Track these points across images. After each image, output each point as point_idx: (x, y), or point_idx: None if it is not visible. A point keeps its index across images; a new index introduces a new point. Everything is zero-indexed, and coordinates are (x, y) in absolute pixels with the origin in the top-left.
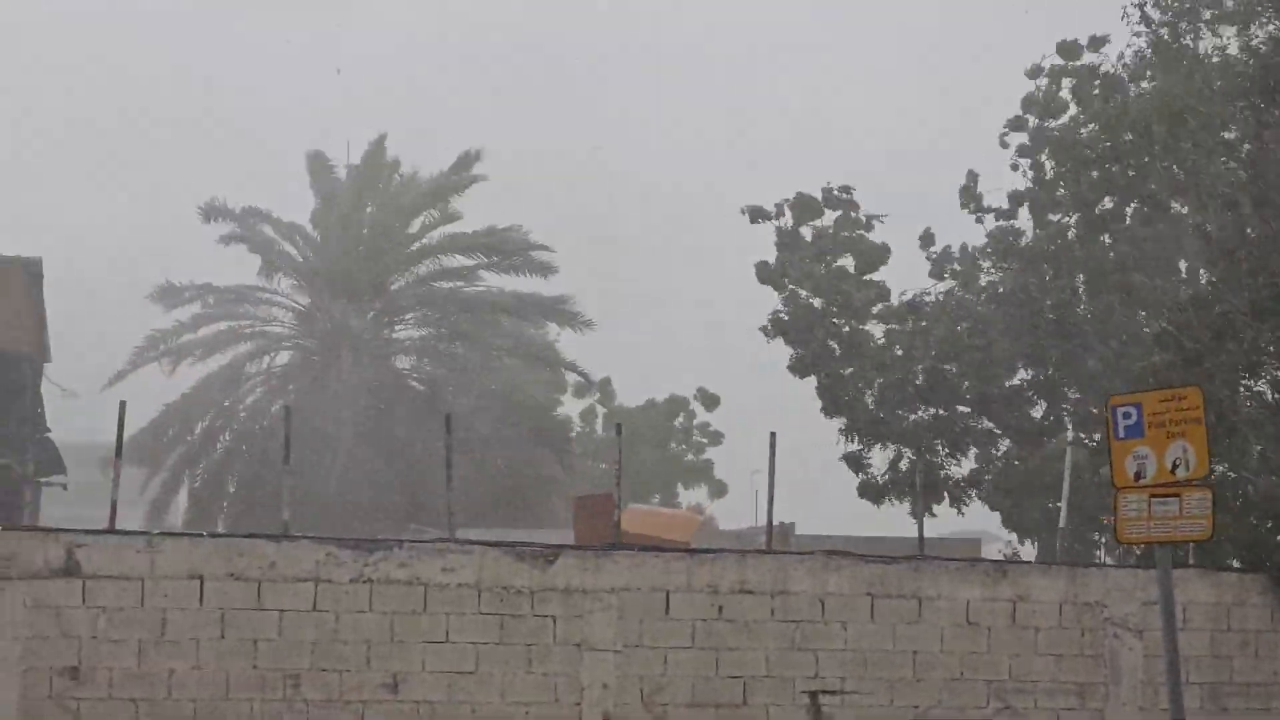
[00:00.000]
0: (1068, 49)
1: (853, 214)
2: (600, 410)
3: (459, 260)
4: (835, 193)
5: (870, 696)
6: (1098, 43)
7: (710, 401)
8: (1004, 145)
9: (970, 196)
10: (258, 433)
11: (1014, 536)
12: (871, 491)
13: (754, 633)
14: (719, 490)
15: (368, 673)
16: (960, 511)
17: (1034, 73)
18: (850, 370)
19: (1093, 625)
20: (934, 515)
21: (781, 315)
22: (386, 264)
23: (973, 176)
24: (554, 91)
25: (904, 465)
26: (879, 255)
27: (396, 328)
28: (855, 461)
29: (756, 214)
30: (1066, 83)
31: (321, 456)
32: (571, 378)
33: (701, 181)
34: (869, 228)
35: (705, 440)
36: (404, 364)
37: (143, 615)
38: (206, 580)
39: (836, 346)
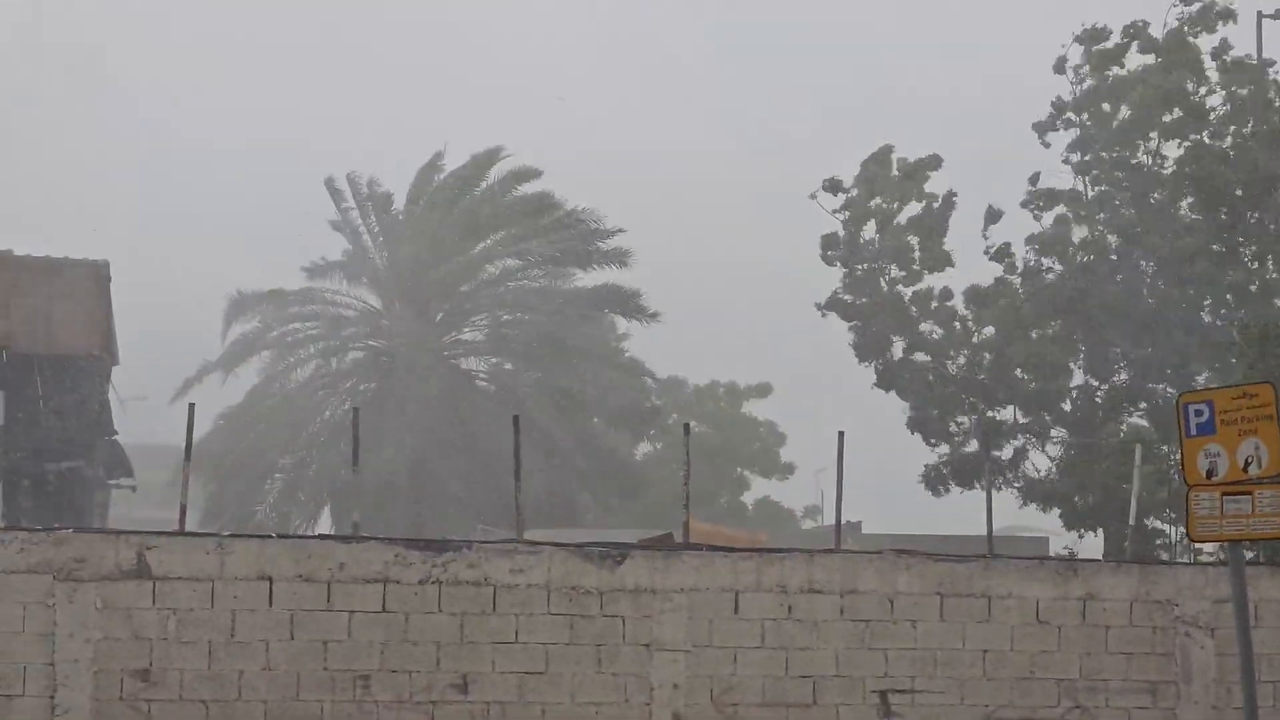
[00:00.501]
0: (1096, 35)
1: (923, 183)
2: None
3: (530, 246)
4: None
5: (940, 696)
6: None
7: (762, 390)
8: (1045, 144)
9: (1036, 196)
10: (323, 433)
11: (1059, 525)
12: (935, 480)
13: (823, 632)
14: (786, 471)
15: (437, 673)
16: (1017, 476)
17: (1059, 66)
18: (918, 362)
19: (1164, 623)
20: (999, 488)
21: (842, 297)
22: (457, 265)
23: (1034, 179)
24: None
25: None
26: (942, 221)
27: (464, 329)
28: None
29: (834, 186)
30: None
31: (392, 457)
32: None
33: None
34: (932, 200)
35: (771, 439)
36: (473, 364)
37: (213, 617)
38: (276, 581)
39: (900, 339)
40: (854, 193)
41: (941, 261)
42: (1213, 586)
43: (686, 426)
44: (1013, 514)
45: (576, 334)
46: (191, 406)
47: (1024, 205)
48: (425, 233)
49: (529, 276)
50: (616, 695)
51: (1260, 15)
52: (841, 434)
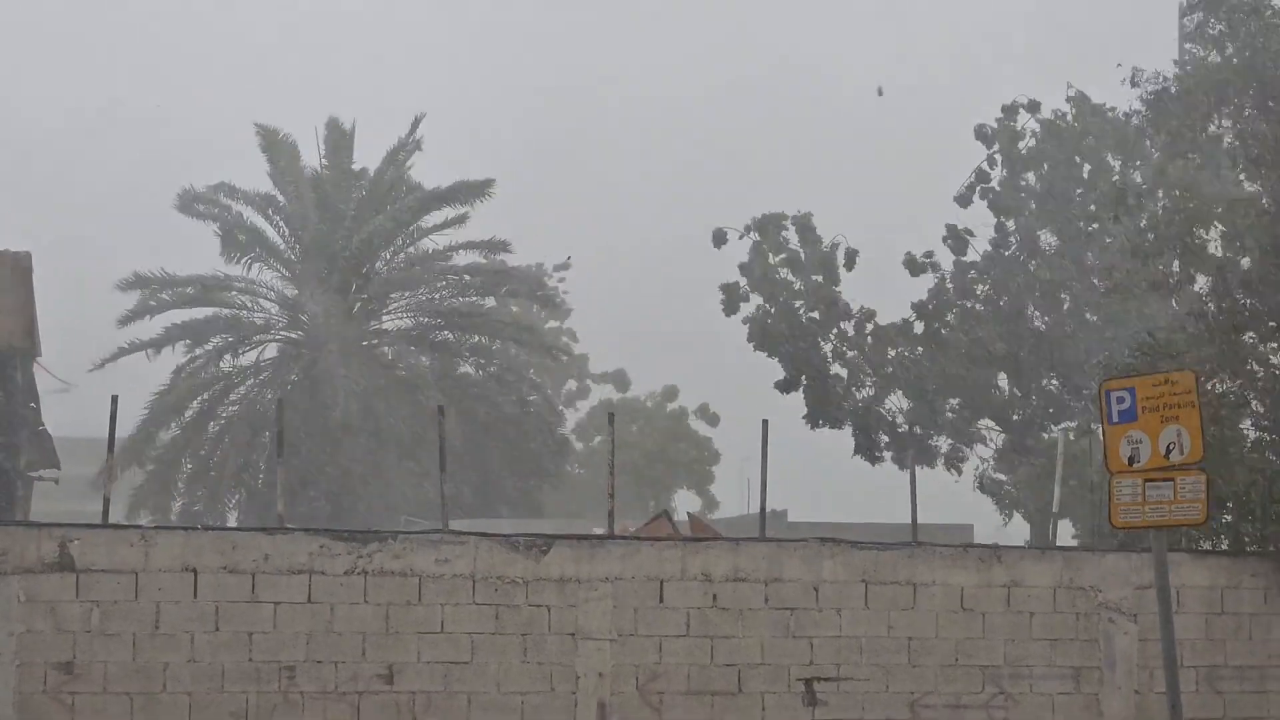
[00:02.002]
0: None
1: (811, 239)
2: (616, 396)
3: (432, 226)
4: (797, 217)
5: (865, 683)
6: (1034, 106)
7: (712, 420)
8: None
9: (954, 234)
10: (244, 424)
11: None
12: (866, 449)
13: (748, 620)
14: (710, 503)
15: (363, 664)
16: (958, 470)
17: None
18: (844, 376)
19: (1087, 609)
20: (931, 467)
21: (765, 322)
22: (368, 248)
23: (954, 230)
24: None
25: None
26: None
27: (384, 317)
28: (868, 451)
29: (719, 238)
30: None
31: (316, 448)
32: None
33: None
34: (833, 251)
35: (703, 422)
36: (394, 355)
37: (137, 609)
38: (200, 573)
39: (827, 353)
40: (749, 238)
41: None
42: (1135, 573)
43: (611, 416)
44: (952, 506)
45: (504, 324)
46: (115, 399)
47: (945, 240)
48: (336, 219)
49: (445, 260)
50: (542, 684)
51: (1182, 6)
52: (765, 422)
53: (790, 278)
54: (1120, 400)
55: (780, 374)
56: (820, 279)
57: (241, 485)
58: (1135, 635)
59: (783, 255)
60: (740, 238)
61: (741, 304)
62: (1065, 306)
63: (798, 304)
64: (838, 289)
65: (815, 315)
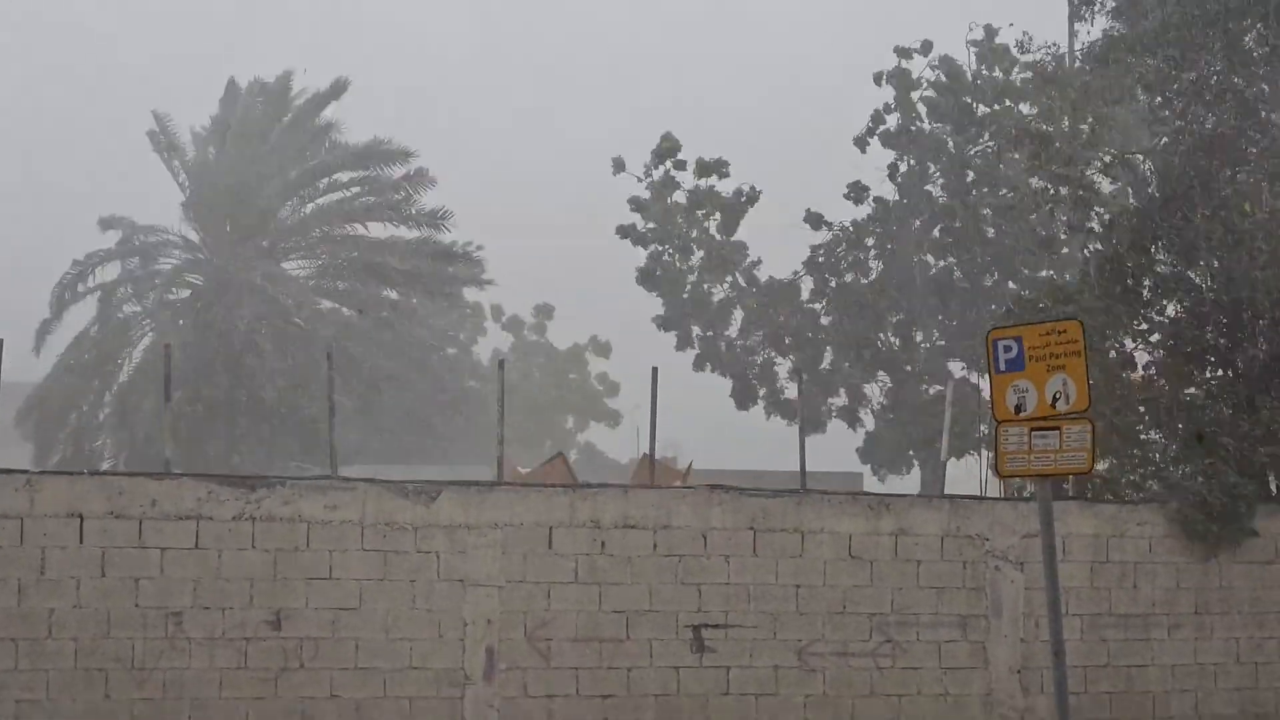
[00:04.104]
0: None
1: (717, 175)
2: (532, 338)
3: (346, 177)
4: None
5: (753, 630)
6: (927, 47)
7: (602, 350)
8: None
9: (856, 189)
10: (146, 369)
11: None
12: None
13: (637, 567)
14: (613, 419)
15: (250, 610)
16: (853, 427)
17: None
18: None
19: (974, 558)
20: (823, 432)
21: (651, 270)
22: (271, 195)
23: (855, 186)
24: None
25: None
26: (740, 209)
27: (286, 264)
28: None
29: (619, 166)
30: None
31: (208, 392)
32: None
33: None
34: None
35: (601, 389)
36: (295, 298)
37: (22, 554)
38: (87, 518)
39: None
40: (650, 174)
41: (731, 258)
42: (1023, 521)
43: (501, 363)
44: (836, 457)
45: (399, 267)
46: (0, 341)
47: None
48: (235, 167)
49: (342, 209)
50: (430, 630)
51: None
52: (655, 369)
53: (682, 222)
54: (1007, 349)
55: (661, 312)
56: (717, 221)
57: (130, 429)
58: (1021, 583)
59: (685, 192)
60: (646, 173)
61: (639, 246)
62: (952, 256)
63: (692, 246)
64: (731, 238)
65: (698, 262)
